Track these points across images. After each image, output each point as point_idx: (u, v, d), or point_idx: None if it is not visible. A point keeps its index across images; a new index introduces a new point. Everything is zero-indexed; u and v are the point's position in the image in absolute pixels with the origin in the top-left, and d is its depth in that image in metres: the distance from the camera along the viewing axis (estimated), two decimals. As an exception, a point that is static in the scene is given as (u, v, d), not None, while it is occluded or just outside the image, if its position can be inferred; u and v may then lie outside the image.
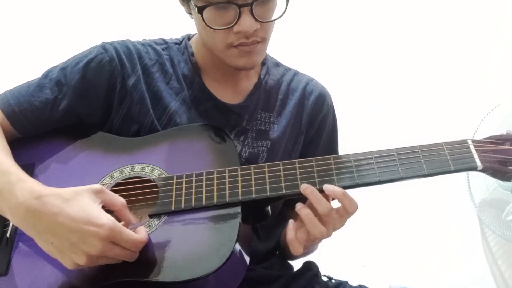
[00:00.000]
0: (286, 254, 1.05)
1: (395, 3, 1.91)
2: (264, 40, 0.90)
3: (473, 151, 0.80)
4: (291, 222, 0.81)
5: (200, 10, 0.85)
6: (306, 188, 0.79)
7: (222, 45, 0.89)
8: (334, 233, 1.02)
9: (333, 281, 1.02)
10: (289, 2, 0.88)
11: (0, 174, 0.78)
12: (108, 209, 0.75)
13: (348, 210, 0.78)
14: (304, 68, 1.13)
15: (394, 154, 0.81)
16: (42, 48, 1.85)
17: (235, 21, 0.84)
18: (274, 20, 0.89)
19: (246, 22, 0.84)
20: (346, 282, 1.02)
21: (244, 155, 0.96)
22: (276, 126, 1.01)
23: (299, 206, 0.79)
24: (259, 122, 1.00)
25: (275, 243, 1.05)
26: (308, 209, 0.79)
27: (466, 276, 1.71)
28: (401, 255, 1.71)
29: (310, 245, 0.83)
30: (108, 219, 0.71)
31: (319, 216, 0.79)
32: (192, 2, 0.87)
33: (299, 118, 1.04)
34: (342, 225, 0.82)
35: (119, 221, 0.75)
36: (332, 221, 0.79)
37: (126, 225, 0.77)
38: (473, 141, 0.82)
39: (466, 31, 1.85)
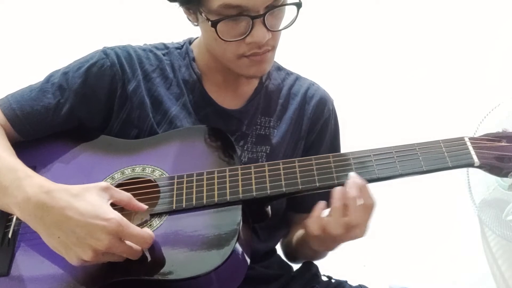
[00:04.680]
0: (294, 255, 1.06)
1: (395, 4, 1.92)
2: (273, 48, 0.92)
3: (470, 148, 0.81)
4: (321, 202, 0.81)
5: (214, 24, 0.85)
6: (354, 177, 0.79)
7: (233, 55, 0.90)
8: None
9: (333, 281, 1.02)
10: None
11: (7, 171, 0.79)
12: (114, 208, 0.76)
13: (367, 202, 0.79)
14: (304, 68, 1.13)
15: (392, 152, 0.82)
16: (44, 52, 1.86)
17: (248, 32, 0.85)
18: (285, 28, 0.90)
19: (259, 33, 0.85)
20: (346, 282, 1.01)
21: (244, 160, 0.97)
22: (276, 131, 1.01)
23: (338, 195, 0.79)
24: (259, 127, 1.00)
25: (275, 244, 1.06)
26: (340, 204, 0.78)
27: (466, 276, 1.71)
28: (401, 255, 1.71)
29: (324, 238, 0.83)
30: (115, 214, 0.72)
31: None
32: (203, 15, 0.87)
33: (300, 123, 1.04)
34: (362, 232, 0.82)
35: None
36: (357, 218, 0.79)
37: (134, 218, 0.77)
38: (470, 138, 0.82)
39: (466, 31, 1.85)
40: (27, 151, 0.91)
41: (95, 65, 0.93)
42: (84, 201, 0.73)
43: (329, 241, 0.84)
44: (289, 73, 1.09)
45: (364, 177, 0.80)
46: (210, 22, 0.85)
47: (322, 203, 0.81)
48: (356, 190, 0.78)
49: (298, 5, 0.88)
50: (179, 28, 1.03)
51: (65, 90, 0.93)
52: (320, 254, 1.04)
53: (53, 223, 0.72)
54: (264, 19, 0.84)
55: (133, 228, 0.73)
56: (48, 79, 0.95)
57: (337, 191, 0.79)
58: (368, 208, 0.79)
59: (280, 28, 0.89)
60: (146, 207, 0.80)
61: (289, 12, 0.89)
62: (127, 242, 0.73)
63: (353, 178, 0.79)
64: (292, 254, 1.07)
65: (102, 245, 0.71)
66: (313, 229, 0.81)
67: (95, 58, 0.94)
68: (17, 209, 0.77)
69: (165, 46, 1.03)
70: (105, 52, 0.96)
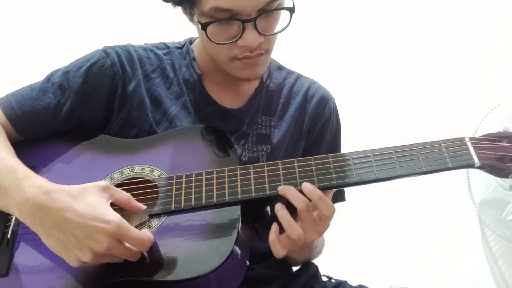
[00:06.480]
0: (286, 258, 1.06)
1: (395, 4, 1.92)
2: (267, 52, 0.91)
3: (471, 148, 0.80)
4: (274, 224, 0.81)
5: (204, 27, 0.85)
6: (283, 189, 0.79)
7: (226, 57, 0.90)
8: (334, 233, 1.02)
9: (333, 281, 1.02)
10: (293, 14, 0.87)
11: (6, 171, 0.79)
12: (114, 208, 0.76)
13: (324, 213, 0.78)
14: (305, 67, 1.13)
15: (392, 152, 0.82)
16: (44, 51, 1.86)
17: (239, 36, 0.85)
18: (278, 32, 0.90)
19: (250, 37, 0.84)
20: (346, 282, 1.01)
21: (244, 159, 0.96)
22: (276, 130, 1.01)
23: (278, 207, 0.79)
24: (259, 126, 1.00)
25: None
26: (285, 210, 0.78)
27: (466, 276, 1.71)
28: (401, 255, 1.71)
29: (297, 249, 0.83)
30: (115, 216, 0.72)
31: (299, 215, 0.78)
32: (195, 17, 0.87)
33: (300, 122, 1.03)
34: (325, 228, 0.81)
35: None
36: (311, 221, 0.79)
37: (133, 218, 0.78)
38: (470, 139, 0.82)
39: (466, 31, 1.85)
40: (27, 151, 0.91)
41: (96, 65, 0.93)
42: (84, 202, 0.73)
43: (301, 245, 0.82)
44: (290, 72, 1.09)
45: (364, 178, 0.80)
46: (200, 25, 0.85)
47: (274, 226, 0.80)
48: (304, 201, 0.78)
49: (291, 10, 0.87)
50: (179, 28, 1.03)
51: (65, 89, 0.93)
52: (312, 256, 1.03)
53: (52, 224, 0.72)
54: (255, 23, 0.84)
55: (132, 230, 0.73)
56: (48, 79, 0.95)
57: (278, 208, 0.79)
58: (322, 218, 0.79)
59: (273, 32, 0.89)
60: (144, 207, 0.80)
61: (284, 15, 0.88)
62: (126, 244, 0.73)
63: (305, 187, 0.79)
64: (288, 260, 1.07)
65: (101, 247, 0.71)
66: (279, 253, 0.81)
67: (96, 58, 0.94)
68: (16, 210, 0.77)
69: (166, 46, 1.03)
70: (105, 51, 0.96)
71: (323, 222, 0.80)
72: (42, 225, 0.73)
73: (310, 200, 0.78)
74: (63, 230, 0.72)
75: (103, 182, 0.77)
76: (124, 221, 0.73)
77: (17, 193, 0.76)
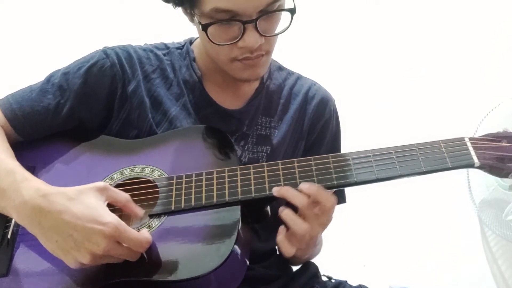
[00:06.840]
0: (288, 259, 1.06)
1: (395, 4, 1.92)
2: (268, 53, 0.91)
3: (470, 148, 0.81)
4: (281, 226, 0.81)
5: (205, 28, 0.85)
6: (279, 190, 0.80)
7: (226, 58, 0.89)
8: (333, 233, 1.02)
9: (333, 281, 1.02)
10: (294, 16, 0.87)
11: (5, 174, 0.79)
12: (112, 209, 0.76)
13: (326, 205, 0.79)
14: (305, 68, 1.13)
15: (392, 152, 0.82)
16: (44, 52, 1.86)
17: (240, 37, 0.85)
18: (279, 34, 0.90)
19: (251, 38, 0.84)
20: (346, 282, 1.01)
21: (244, 160, 0.96)
22: (276, 131, 1.01)
23: (281, 209, 0.80)
24: (259, 127, 1.00)
25: (275, 244, 1.06)
26: (288, 209, 0.79)
27: (466, 276, 1.72)
28: (401, 255, 1.72)
29: (304, 246, 0.83)
30: (112, 217, 0.72)
31: (301, 212, 0.79)
32: (196, 18, 0.87)
33: (300, 123, 1.03)
34: (328, 220, 0.82)
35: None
36: (314, 216, 0.79)
37: (133, 218, 0.78)
38: (470, 139, 0.82)
39: (466, 31, 1.85)
40: (26, 152, 0.91)
41: (96, 66, 0.93)
42: (81, 204, 0.73)
43: (307, 241, 0.83)
44: (290, 73, 1.09)
45: (364, 178, 0.80)
46: (201, 26, 0.85)
47: (281, 227, 0.81)
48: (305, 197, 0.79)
49: (292, 12, 0.87)
50: (179, 28, 1.03)
51: (65, 90, 0.93)
52: (312, 254, 1.03)
53: (50, 227, 0.73)
54: (256, 24, 0.84)
55: (130, 232, 0.73)
56: (48, 79, 0.95)
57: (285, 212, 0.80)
58: (325, 210, 0.80)
59: (273, 33, 0.89)
60: (142, 212, 0.80)
61: (285, 16, 0.88)
62: (125, 245, 0.73)
63: (302, 186, 0.80)
64: (291, 259, 1.07)
65: (99, 249, 0.71)
66: (289, 251, 0.81)
67: (96, 58, 0.94)
68: (15, 213, 0.77)
69: (166, 46, 1.03)
70: (105, 52, 0.95)
71: (325, 214, 0.80)
72: (41, 228, 0.74)
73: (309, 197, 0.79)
74: (61, 232, 0.72)
75: (100, 183, 0.77)
76: (122, 222, 0.73)
77: (15, 195, 0.76)
